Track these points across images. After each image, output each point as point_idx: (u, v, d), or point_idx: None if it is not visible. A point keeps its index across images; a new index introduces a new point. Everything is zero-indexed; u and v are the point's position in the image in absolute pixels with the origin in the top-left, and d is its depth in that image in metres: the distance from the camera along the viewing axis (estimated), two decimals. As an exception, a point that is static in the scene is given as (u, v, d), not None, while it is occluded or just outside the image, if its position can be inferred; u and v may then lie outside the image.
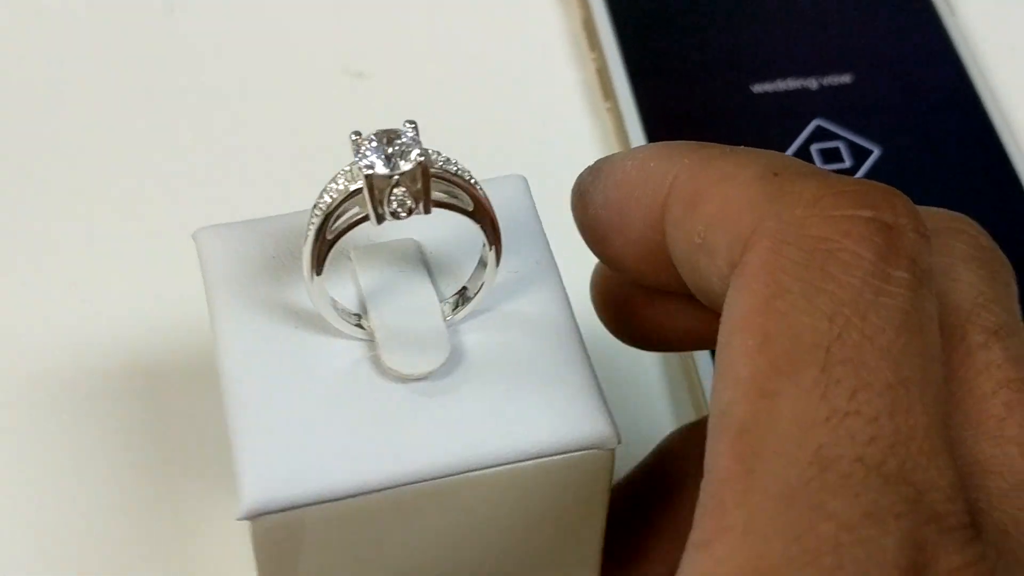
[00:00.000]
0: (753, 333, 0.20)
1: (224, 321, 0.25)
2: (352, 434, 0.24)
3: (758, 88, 0.41)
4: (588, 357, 0.25)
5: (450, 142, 0.41)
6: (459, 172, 0.24)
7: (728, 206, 0.22)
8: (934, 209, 0.25)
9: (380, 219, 0.24)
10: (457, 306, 0.26)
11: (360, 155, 0.23)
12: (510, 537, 0.26)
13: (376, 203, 0.23)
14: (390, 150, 0.23)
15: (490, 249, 0.25)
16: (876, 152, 0.40)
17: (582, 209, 0.26)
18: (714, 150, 0.24)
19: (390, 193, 0.23)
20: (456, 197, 0.24)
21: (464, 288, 0.26)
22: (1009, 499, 0.21)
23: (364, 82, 0.43)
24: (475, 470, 0.24)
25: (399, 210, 0.24)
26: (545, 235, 0.27)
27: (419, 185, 0.23)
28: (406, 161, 0.23)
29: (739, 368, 0.20)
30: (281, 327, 0.25)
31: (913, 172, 0.40)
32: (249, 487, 0.23)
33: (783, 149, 0.40)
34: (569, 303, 0.26)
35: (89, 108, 0.42)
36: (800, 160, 0.23)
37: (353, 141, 0.23)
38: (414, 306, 0.25)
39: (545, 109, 0.43)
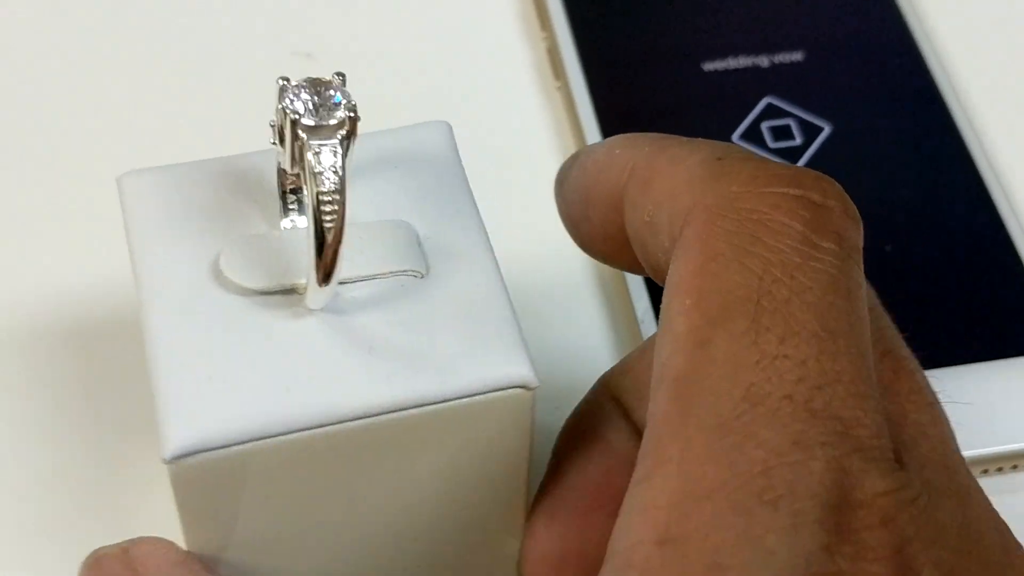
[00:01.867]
0: (689, 293, 0.22)
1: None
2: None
3: (708, 66, 0.41)
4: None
5: (399, 120, 0.41)
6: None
7: (673, 186, 0.24)
8: None
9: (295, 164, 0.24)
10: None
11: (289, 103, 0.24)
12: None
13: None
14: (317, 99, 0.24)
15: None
16: (827, 129, 0.40)
17: (560, 195, 0.28)
18: (672, 140, 0.25)
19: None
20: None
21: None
22: (924, 440, 0.23)
23: (313, 63, 0.43)
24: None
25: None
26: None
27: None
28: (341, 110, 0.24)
29: (677, 325, 0.22)
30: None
31: (863, 149, 0.40)
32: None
33: (734, 127, 0.40)
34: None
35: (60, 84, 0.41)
36: (749, 150, 0.25)
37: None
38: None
39: (496, 88, 0.43)
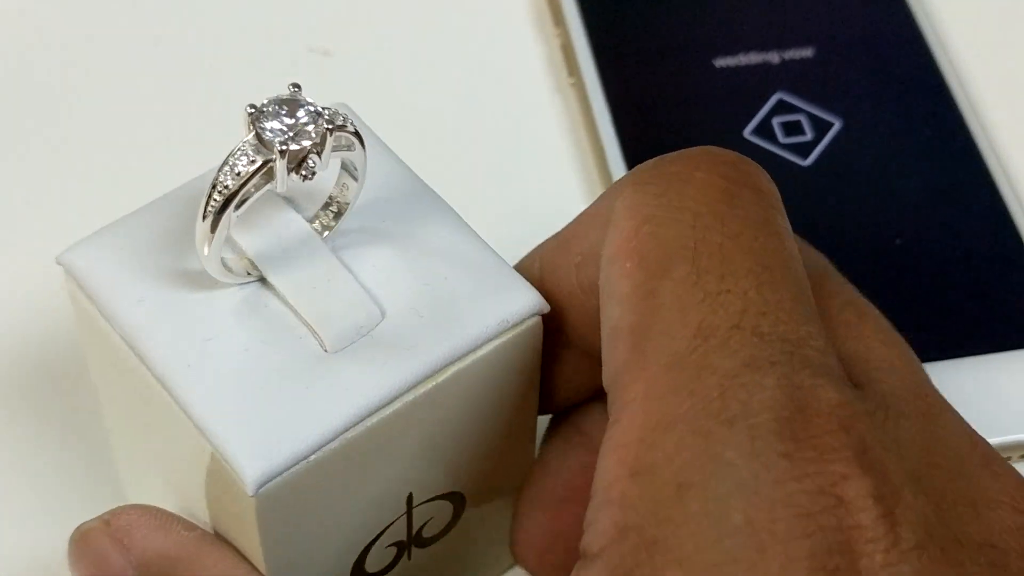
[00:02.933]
0: (628, 256, 0.23)
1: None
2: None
3: (720, 63, 0.42)
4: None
5: (415, 119, 0.42)
6: (344, 123, 0.24)
7: (603, 196, 0.26)
8: None
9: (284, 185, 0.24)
10: (335, 218, 0.26)
11: (265, 130, 0.24)
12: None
13: (288, 173, 0.24)
14: (290, 120, 0.24)
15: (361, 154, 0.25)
16: (837, 124, 0.40)
17: None
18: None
19: (300, 163, 0.24)
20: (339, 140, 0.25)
21: (329, 202, 0.26)
22: (890, 374, 0.24)
23: (329, 60, 0.43)
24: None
25: (307, 175, 0.24)
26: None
27: (321, 147, 0.24)
28: (314, 128, 0.24)
29: (621, 288, 0.23)
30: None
31: (873, 144, 0.40)
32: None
33: (746, 122, 0.40)
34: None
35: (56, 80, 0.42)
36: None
37: (250, 115, 0.24)
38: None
39: (510, 84, 0.43)
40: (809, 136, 0.40)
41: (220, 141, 0.41)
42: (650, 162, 0.25)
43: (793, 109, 0.41)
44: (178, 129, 0.41)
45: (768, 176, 0.25)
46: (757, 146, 0.40)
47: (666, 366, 0.22)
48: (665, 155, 0.25)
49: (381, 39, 0.44)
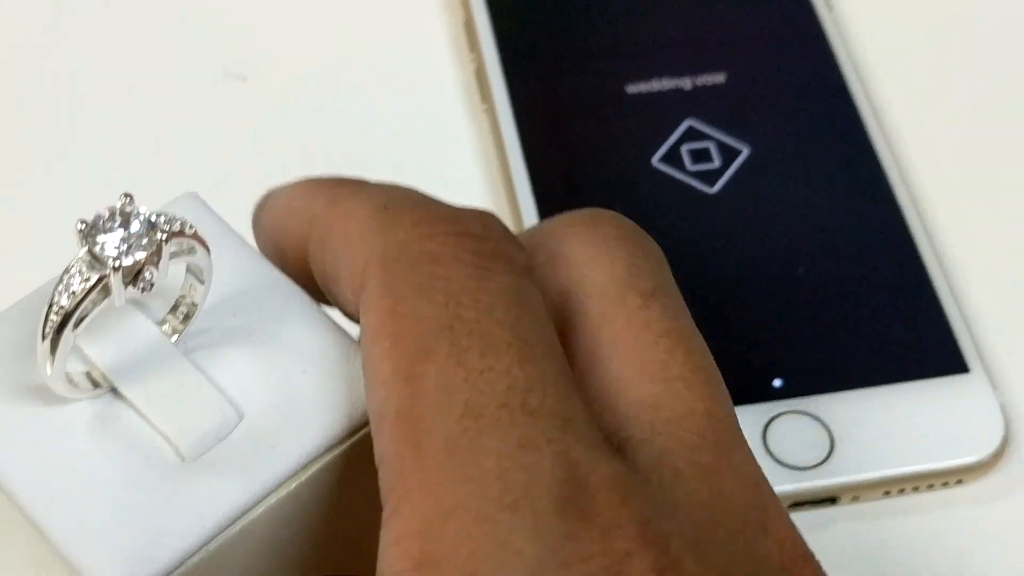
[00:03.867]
0: (386, 337, 0.23)
1: None
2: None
3: (632, 88, 0.42)
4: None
5: (331, 146, 0.42)
6: (182, 229, 0.24)
7: (347, 241, 0.25)
8: (585, 210, 0.27)
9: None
10: (184, 320, 0.25)
11: (97, 245, 0.23)
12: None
13: (125, 287, 0.23)
14: (124, 232, 0.23)
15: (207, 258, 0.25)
16: (745, 151, 0.41)
17: (256, 237, 0.29)
18: (344, 188, 0.27)
19: (136, 276, 0.23)
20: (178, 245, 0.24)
21: (178, 303, 0.25)
22: (674, 424, 0.24)
23: (245, 85, 0.43)
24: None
25: (144, 287, 0.24)
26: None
27: (158, 257, 0.24)
28: (147, 239, 0.23)
29: (382, 369, 0.23)
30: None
31: (780, 171, 0.40)
32: None
33: (654, 150, 0.41)
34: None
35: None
36: (418, 194, 0.26)
37: (81, 231, 0.23)
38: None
39: (426, 110, 0.43)
40: (717, 163, 0.40)
41: (127, 169, 0.41)
42: (401, 236, 0.24)
43: (702, 136, 0.41)
44: (88, 154, 0.41)
45: (516, 239, 0.25)
46: (665, 174, 0.40)
47: (440, 451, 0.22)
48: (419, 210, 0.25)
49: (298, 64, 0.44)
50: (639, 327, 0.25)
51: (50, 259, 0.26)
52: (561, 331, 0.25)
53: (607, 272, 0.25)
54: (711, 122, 0.41)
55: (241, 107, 0.43)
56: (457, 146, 0.42)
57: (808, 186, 0.40)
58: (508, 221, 0.39)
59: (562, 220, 0.27)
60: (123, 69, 0.43)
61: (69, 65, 0.43)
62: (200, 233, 0.24)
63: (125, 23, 0.45)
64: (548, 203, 0.39)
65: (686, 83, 0.42)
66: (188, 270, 0.25)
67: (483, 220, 0.25)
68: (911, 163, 0.41)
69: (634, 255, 0.26)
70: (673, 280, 0.26)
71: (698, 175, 0.40)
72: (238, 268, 0.27)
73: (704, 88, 0.42)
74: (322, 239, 0.26)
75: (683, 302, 0.26)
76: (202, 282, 0.25)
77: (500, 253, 0.24)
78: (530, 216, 0.39)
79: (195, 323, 0.26)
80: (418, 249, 0.24)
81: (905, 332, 0.38)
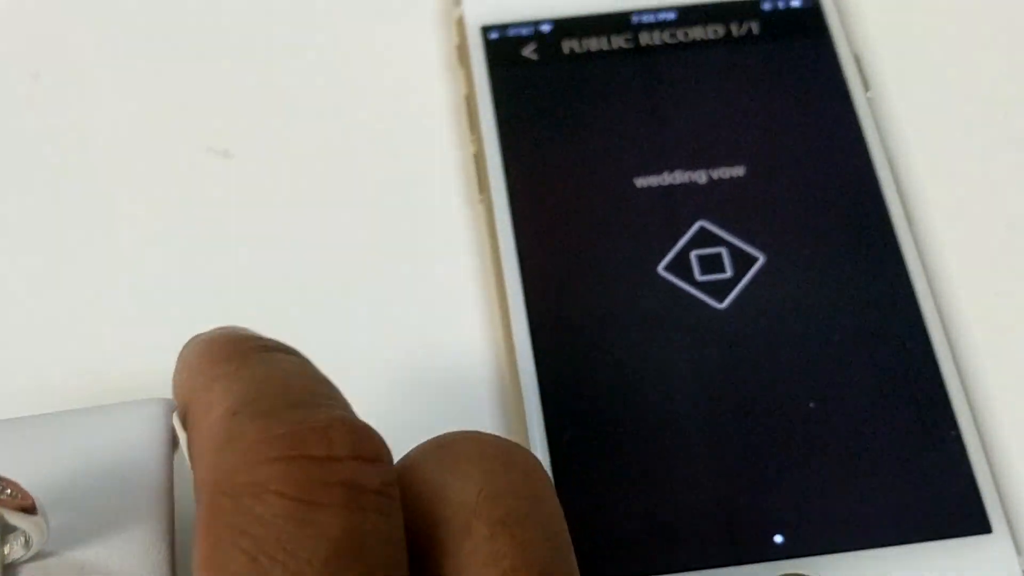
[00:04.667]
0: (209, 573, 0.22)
1: None
2: None
3: (641, 182, 0.38)
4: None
5: (320, 226, 0.39)
6: (12, 495, 0.24)
7: (198, 447, 0.25)
8: (451, 432, 0.26)
9: None
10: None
11: None
12: None
13: None
14: None
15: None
16: (760, 260, 0.37)
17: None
18: (220, 369, 0.25)
19: None
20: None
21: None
22: None
23: (230, 161, 0.41)
24: None
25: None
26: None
27: None
28: None
29: None
30: None
31: (798, 286, 0.37)
32: None
33: (662, 253, 0.37)
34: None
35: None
36: (275, 389, 0.25)
37: None
38: None
39: (421, 195, 0.40)
40: (729, 273, 0.37)
41: (112, 242, 0.39)
42: (231, 460, 0.23)
43: (715, 240, 0.37)
44: (70, 227, 0.39)
45: (373, 450, 0.24)
46: (671, 284, 0.37)
47: None
48: (261, 424, 0.24)
49: (285, 140, 0.41)
50: (483, 562, 0.24)
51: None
52: (421, 554, 0.24)
53: (458, 499, 0.24)
54: (725, 224, 0.38)
55: (224, 184, 0.40)
56: (450, 239, 0.39)
57: (827, 307, 0.36)
58: (497, 326, 0.36)
59: (431, 441, 0.26)
60: (101, 143, 0.41)
61: (48, 135, 0.41)
62: (36, 504, 0.24)
63: (104, 93, 0.42)
64: (541, 312, 0.36)
65: (701, 176, 0.38)
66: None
67: (329, 436, 0.23)
68: (947, 282, 0.37)
69: (490, 479, 0.24)
70: (541, 499, 0.25)
71: (707, 287, 0.37)
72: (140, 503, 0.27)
73: (721, 182, 0.38)
74: (188, 429, 0.26)
75: (546, 527, 0.24)
76: (28, 548, 0.25)
77: (338, 480, 0.23)
78: (520, 323, 0.36)
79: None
80: (244, 480, 0.23)
81: (923, 485, 0.34)
